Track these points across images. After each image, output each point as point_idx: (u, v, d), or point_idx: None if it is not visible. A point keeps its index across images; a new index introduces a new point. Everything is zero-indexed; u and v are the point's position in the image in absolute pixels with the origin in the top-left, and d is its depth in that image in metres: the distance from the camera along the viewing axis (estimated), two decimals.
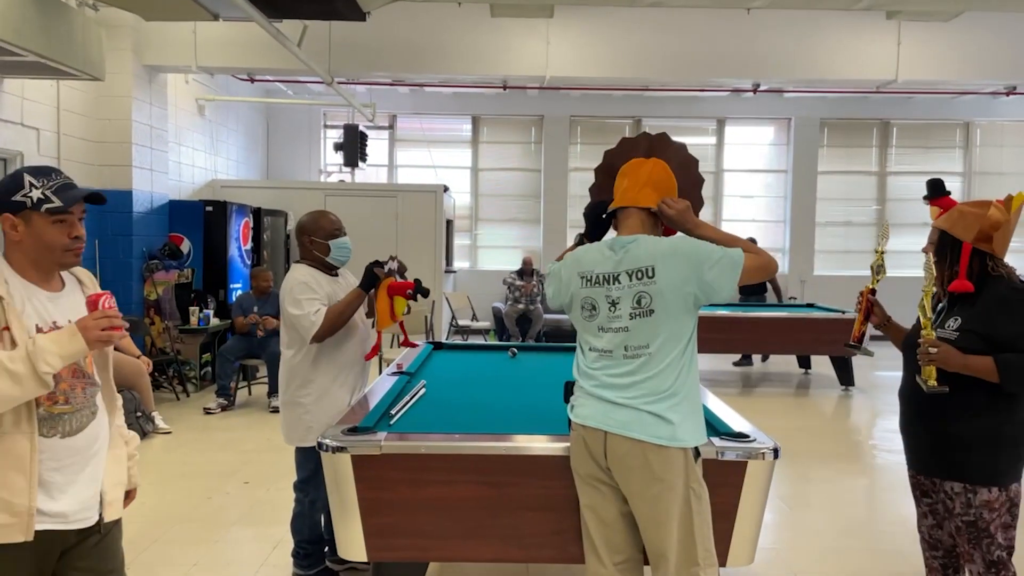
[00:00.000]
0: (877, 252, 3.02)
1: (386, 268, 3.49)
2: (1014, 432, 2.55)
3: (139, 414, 6.03)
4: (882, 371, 9.51)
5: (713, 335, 8.40)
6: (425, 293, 3.65)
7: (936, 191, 2.78)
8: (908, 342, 2.81)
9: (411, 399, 3.49)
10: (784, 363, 10.02)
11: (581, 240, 2.73)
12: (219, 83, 10.30)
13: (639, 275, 2.41)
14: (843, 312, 8.70)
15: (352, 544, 2.80)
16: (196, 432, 6.37)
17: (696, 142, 13.11)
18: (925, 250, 2.81)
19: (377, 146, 12.71)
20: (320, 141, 12.73)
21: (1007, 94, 10.12)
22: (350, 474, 2.75)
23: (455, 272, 12.14)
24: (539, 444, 2.75)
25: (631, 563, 2.52)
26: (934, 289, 2.58)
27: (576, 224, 12.90)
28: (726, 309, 9.15)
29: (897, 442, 4.93)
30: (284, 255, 10.11)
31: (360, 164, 11.18)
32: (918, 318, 2.66)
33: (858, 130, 13.05)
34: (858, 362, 8.70)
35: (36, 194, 2.01)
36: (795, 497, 5.04)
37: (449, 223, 11.86)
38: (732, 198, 13.12)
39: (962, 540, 2.64)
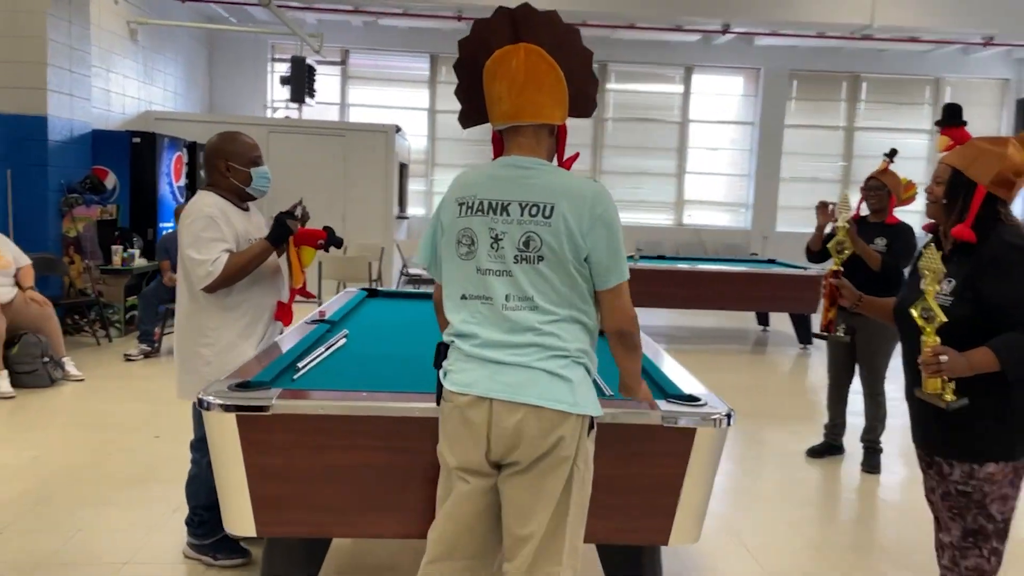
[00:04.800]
0: (838, 228, 2.69)
1: (296, 214, 3.04)
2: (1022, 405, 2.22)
3: (46, 359, 5.52)
4: None
5: (670, 290, 8.11)
6: (338, 243, 3.21)
7: (952, 117, 2.42)
8: (902, 307, 2.43)
9: (326, 351, 3.08)
10: (742, 319, 9.78)
11: None
12: (153, 5, 9.54)
13: (534, 211, 1.96)
14: (805, 268, 8.43)
15: (239, 517, 2.40)
16: (112, 380, 5.89)
17: (663, 90, 12.66)
18: (929, 190, 2.45)
19: (329, 83, 12.04)
20: (267, 75, 12.01)
21: (984, 44, 9.80)
22: (235, 436, 2.34)
23: (408, 219, 11.62)
24: None
25: (478, 562, 2.08)
26: (938, 288, 2.21)
27: None
28: (685, 263, 8.83)
29: (854, 403, 4.77)
30: None
31: (308, 101, 10.57)
32: (913, 273, 2.30)
33: (827, 83, 12.69)
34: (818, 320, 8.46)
35: None
36: (745, 460, 4.76)
37: (403, 167, 11.33)
38: (697, 150, 12.73)
39: (944, 507, 2.34)
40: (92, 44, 7.92)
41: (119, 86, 8.86)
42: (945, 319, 2.14)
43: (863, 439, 4.70)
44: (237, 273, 2.87)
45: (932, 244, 2.26)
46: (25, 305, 5.54)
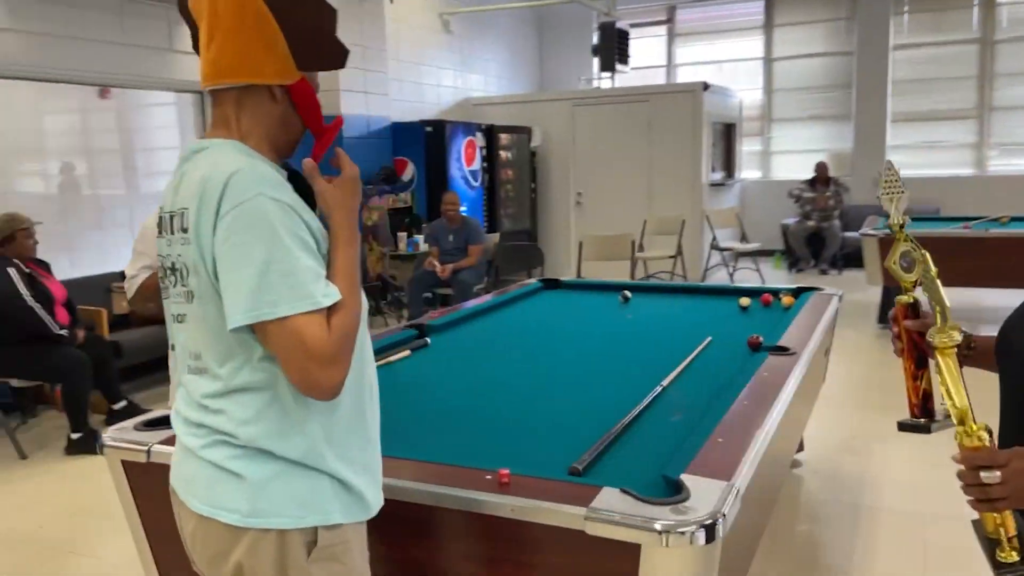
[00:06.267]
0: (894, 228, 1.44)
1: None
2: None
3: None
4: None
5: (973, 262, 5.93)
6: None
7: None
8: (1004, 343, 1.29)
9: None
10: None
11: None
12: None
13: (179, 223, 1.31)
14: None
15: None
16: None
17: None
18: None
19: (654, 45, 11.39)
20: (590, 46, 11.75)
21: None
22: (125, 485, 2.08)
23: (722, 185, 10.39)
24: None
25: None
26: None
27: (901, 117, 10.32)
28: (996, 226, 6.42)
29: None
30: (529, 174, 9.52)
31: (621, 68, 10.07)
32: None
33: None
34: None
35: None
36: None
37: (729, 127, 10.25)
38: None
39: None
40: (402, 40, 8.44)
41: (434, 78, 9.32)
42: (954, 340, 1.05)
43: None
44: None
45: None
46: None
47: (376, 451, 1.49)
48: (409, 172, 8.17)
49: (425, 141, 8.10)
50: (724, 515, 1.52)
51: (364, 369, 1.43)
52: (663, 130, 9.06)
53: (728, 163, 10.36)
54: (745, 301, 3.55)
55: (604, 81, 10.51)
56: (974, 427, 1.14)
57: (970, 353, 1.46)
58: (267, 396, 1.30)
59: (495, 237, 7.70)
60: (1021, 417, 1.30)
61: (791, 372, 2.42)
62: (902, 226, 1.49)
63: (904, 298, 1.48)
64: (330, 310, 1.27)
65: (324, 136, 1.43)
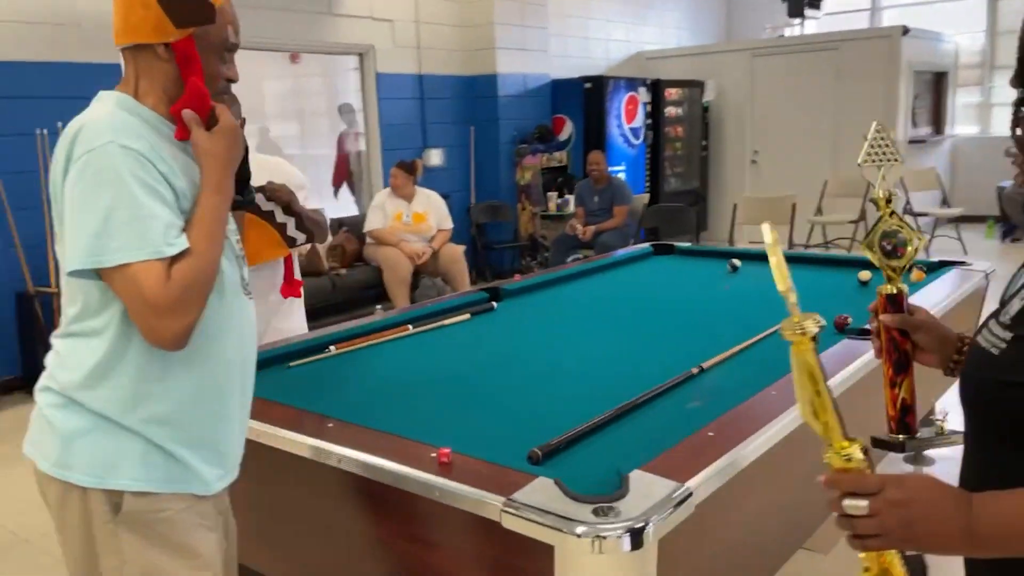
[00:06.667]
0: (879, 202, 1.15)
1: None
2: None
3: None
4: None
5: None
6: None
7: None
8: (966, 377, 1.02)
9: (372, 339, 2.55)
10: None
11: None
12: None
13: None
14: None
15: None
16: None
17: None
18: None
19: None
20: None
21: None
22: None
23: (925, 142, 9.20)
24: None
25: None
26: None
27: None
28: None
29: None
30: (701, 131, 9.00)
31: (813, 12, 9.24)
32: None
33: None
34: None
35: None
36: None
37: (939, 76, 9.11)
38: None
39: None
40: None
41: (602, 31, 9.02)
42: (809, 333, 0.93)
43: None
44: None
45: None
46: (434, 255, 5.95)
47: (230, 428, 1.43)
48: (567, 131, 8.02)
49: (583, 98, 7.88)
50: (656, 521, 1.31)
51: (223, 340, 1.37)
52: (854, 81, 8.18)
53: (937, 117, 9.21)
54: (865, 275, 3.11)
55: (795, 28, 9.65)
56: (843, 444, 0.89)
57: (961, 359, 1.15)
58: (93, 345, 1.30)
59: (644, 198, 7.36)
60: (976, 443, 0.99)
61: (854, 359, 2.08)
62: (888, 200, 1.22)
63: (886, 288, 1.21)
64: (177, 259, 1.24)
65: (194, 105, 1.35)
